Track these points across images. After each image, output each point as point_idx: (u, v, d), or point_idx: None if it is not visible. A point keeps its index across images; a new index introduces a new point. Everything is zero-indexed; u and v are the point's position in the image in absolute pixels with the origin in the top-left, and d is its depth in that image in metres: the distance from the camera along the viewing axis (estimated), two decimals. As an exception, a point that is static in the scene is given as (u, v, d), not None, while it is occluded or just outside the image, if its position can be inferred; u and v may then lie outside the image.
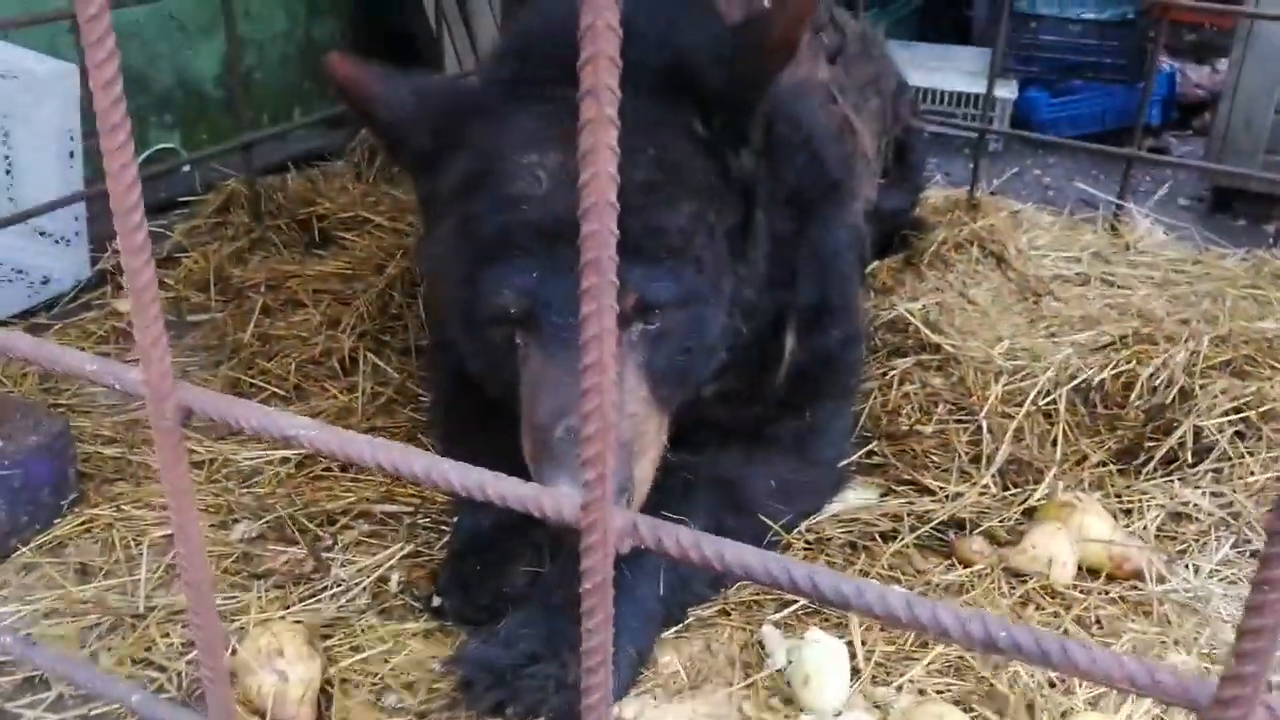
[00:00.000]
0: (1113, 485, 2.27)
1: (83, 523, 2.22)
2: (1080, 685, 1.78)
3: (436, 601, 2.00)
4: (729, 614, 1.98)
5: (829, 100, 2.65)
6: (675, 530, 0.68)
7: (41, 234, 3.20)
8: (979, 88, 4.97)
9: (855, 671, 1.82)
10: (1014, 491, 2.25)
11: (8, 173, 3.14)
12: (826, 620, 1.95)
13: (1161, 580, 2.02)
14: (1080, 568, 2.05)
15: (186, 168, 4.04)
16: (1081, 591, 2.00)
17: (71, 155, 3.16)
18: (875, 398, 2.52)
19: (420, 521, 2.24)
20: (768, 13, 1.78)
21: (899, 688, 1.79)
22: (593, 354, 0.64)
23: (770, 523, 2.07)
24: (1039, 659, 0.57)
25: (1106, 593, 2.01)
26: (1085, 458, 2.34)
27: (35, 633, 1.95)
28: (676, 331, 1.78)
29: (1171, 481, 2.26)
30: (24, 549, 2.15)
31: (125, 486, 2.34)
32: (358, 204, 3.66)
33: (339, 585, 2.05)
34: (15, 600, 2.03)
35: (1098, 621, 1.95)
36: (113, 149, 0.73)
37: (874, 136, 2.97)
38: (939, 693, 1.79)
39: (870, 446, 2.39)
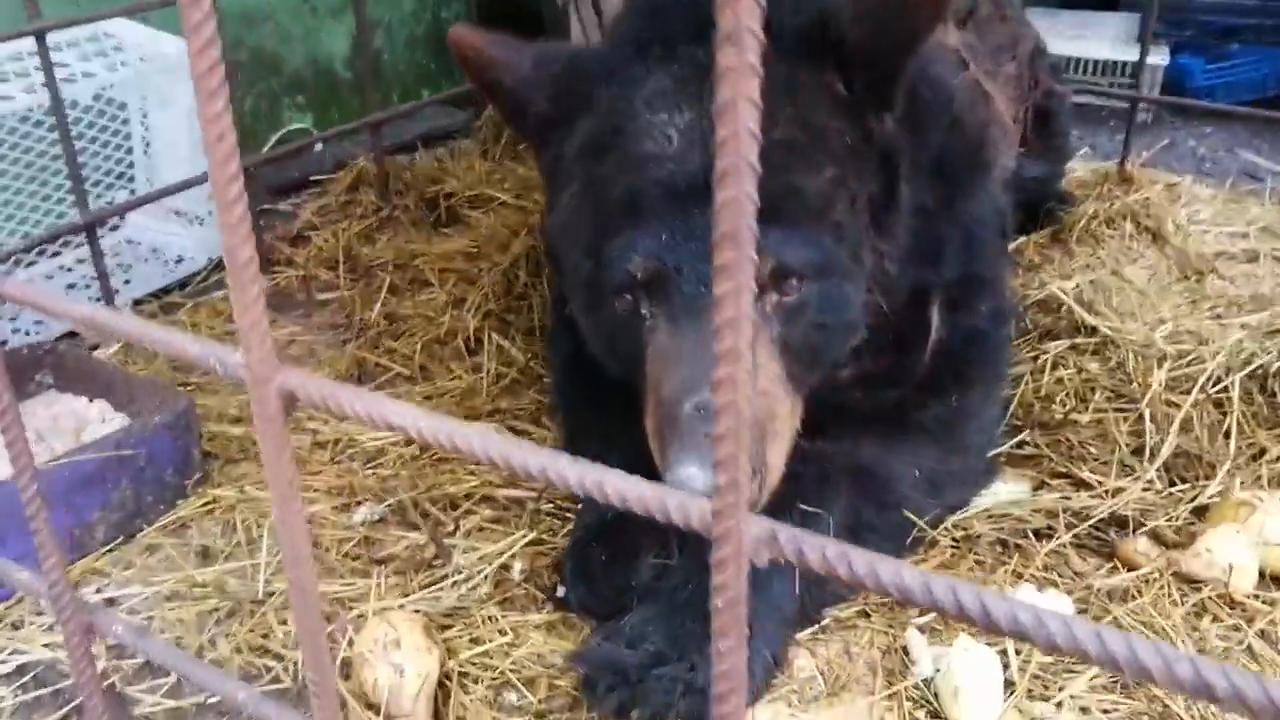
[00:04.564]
0: (1295, 483, 2.05)
1: (206, 504, 2.20)
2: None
3: (561, 591, 1.92)
4: (869, 615, 1.85)
5: (959, 65, 2.48)
6: (821, 543, 0.58)
7: (176, 213, 3.23)
8: (1125, 55, 4.66)
9: (1009, 684, 1.66)
10: (1182, 488, 2.05)
11: (146, 153, 3.18)
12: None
13: (1355, 590, 1.82)
14: (1261, 574, 1.85)
15: (319, 147, 4.04)
16: (1264, 602, 1.81)
17: (204, 135, 3.17)
18: (1026, 383, 2.33)
19: (544, 507, 2.16)
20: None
21: (1059, 704, 1.63)
22: (727, 340, 0.54)
23: (914, 518, 1.93)
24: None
25: (1292, 603, 1.81)
26: (1263, 452, 2.13)
27: (156, 616, 1.93)
28: (813, 305, 1.66)
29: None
30: (148, 529, 2.14)
31: (249, 467, 2.32)
32: (483, 181, 3.61)
33: (460, 573, 1.99)
34: (138, 582, 2.02)
35: (1283, 636, 1.76)
36: (211, 116, 0.65)
37: (1011, 102, 2.77)
38: (1104, 712, 1.62)
39: (1022, 436, 2.21)
